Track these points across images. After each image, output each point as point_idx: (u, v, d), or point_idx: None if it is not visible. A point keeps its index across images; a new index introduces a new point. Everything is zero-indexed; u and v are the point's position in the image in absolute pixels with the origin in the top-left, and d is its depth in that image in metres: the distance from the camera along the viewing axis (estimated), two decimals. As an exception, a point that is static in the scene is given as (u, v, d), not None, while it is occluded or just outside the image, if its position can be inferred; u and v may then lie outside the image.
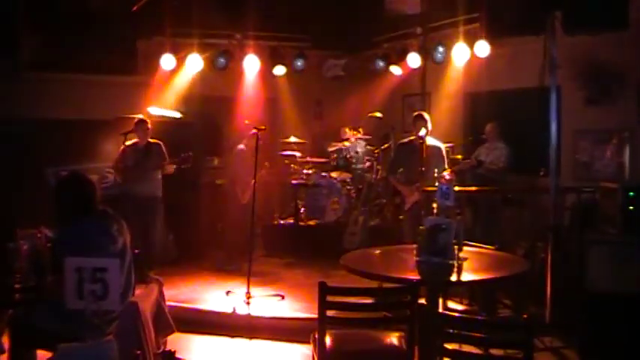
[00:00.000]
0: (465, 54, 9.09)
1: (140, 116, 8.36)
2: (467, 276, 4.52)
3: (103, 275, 2.97)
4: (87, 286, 2.97)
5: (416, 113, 7.54)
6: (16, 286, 4.18)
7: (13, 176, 8.43)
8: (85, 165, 8.58)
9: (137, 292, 4.44)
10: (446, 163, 7.47)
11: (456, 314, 4.01)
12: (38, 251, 4.26)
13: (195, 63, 9.91)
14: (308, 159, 10.51)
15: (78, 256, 3.18)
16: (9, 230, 4.59)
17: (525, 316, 3.79)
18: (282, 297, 7.28)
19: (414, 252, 4.81)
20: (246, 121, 9.39)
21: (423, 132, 6.97)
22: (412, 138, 7.42)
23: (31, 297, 4.23)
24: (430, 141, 7.17)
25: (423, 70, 9.82)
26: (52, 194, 4.49)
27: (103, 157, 8.94)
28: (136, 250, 4.64)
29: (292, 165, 10.47)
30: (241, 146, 9.07)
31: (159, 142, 8.19)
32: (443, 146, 7.62)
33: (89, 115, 9.34)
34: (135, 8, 9.77)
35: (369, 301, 4.65)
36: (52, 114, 9.23)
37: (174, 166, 8.16)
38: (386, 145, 10.02)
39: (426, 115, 7.40)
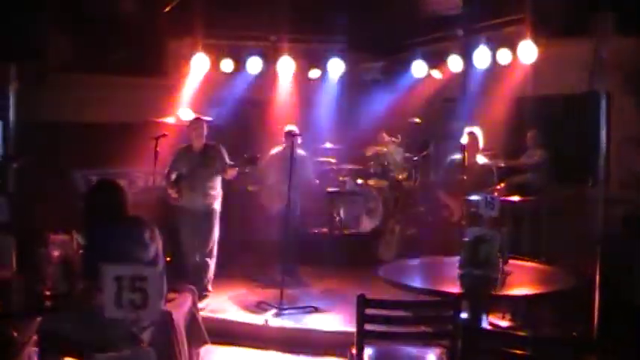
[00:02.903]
0: (508, 57, 9.04)
1: (188, 115, 8.24)
2: (512, 290, 4.50)
3: (143, 284, 3.01)
4: (126, 295, 3.02)
5: (468, 130, 7.56)
6: (46, 293, 4.24)
7: (42, 180, 8.57)
8: (113, 169, 8.72)
9: (170, 301, 4.49)
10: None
11: (501, 330, 4.00)
12: (69, 257, 4.32)
13: (227, 65, 9.98)
14: (343, 166, 10.52)
15: (109, 263, 3.23)
16: (40, 235, 4.67)
17: (574, 333, 3.77)
18: (316, 309, 7.29)
19: (456, 264, 4.81)
20: (280, 126, 9.43)
21: (465, 139, 7.01)
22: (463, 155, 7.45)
23: (62, 304, 4.29)
24: (481, 160, 7.21)
25: (464, 73, 9.79)
26: (82, 200, 4.57)
27: (131, 161, 9.01)
28: (168, 259, 4.69)
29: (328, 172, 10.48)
30: (275, 150, 9.10)
31: (217, 144, 7.76)
32: (493, 165, 7.64)
33: (117, 118, 9.45)
34: (166, 8, 9.88)
35: (407, 314, 4.65)
36: (79, 116, 9.36)
37: (236, 170, 7.64)
38: (425, 153, 10.00)
39: (477, 132, 7.44)
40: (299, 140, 8.46)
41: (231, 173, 7.62)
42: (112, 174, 8.41)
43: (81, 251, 4.45)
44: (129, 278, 3.03)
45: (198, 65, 9.98)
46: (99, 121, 9.33)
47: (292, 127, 8.67)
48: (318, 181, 9.34)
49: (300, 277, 8.63)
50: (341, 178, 10.28)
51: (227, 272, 8.96)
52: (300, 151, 8.66)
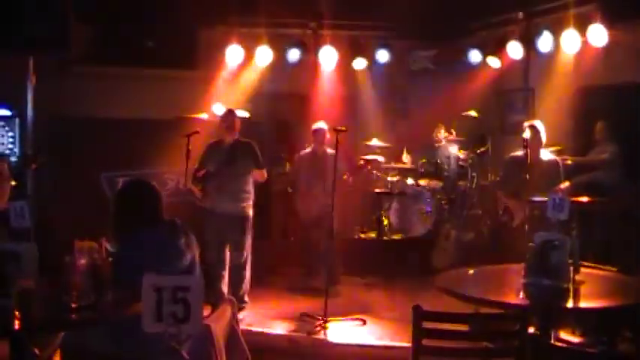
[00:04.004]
0: (576, 42, 8.90)
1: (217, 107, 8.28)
2: (585, 302, 4.42)
3: (185, 295, 3.01)
4: (167, 307, 3.02)
5: (528, 124, 7.47)
6: (72, 304, 4.25)
7: (64, 182, 8.65)
8: (140, 170, 8.77)
9: (207, 313, 4.49)
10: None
11: (572, 347, 3.93)
12: (97, 266, 4.32)
13: (264, 55, 10.01)
14: (393, 164, 10.47)
15: (142, 272, 3.23)
16: (65, 241, 4.69)
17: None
18: (364, 322, 7.27)
19: (520, 273, 4.74)
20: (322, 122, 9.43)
21: (527, 134, 6.92)
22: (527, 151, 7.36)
23: (88, 317, 4.31)
24: (545, 155, 7.13)
25: (525, 61, 9.66)
26: (112, 203, 4.59)
27: (160, 161, 9.07)
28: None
29: (375, 171, 10.42)
30: (307, 150, 9.15)
31: (249, 141, 7.67)
32: (559, 161, 7.54)
33: (146, 114, 9.49)
34: (198, -6, 9.94)
35: (468, 329, 4.59)
36: (105, 112, 9.41)
37: (264, 172, 7.70)
38: (482, 149, 9.92)
39: (539, 125, 7.34)
40: (327, 136, 8.70)
41: (260, 175, 7.61)
42: (139, 175, 8.46)
43: (110, 259, 4.47)
44: (171, 289, 3.02)
45: (233, 56, 10.01)
46: (125, 117, 9.38)
47: (321, 125, 8.72)
48: (351, 179, 9.40)
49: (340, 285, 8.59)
50: (390, 178, 10.22)
51: (265, 282, 9.00)
52: (330, 150, 8.68)
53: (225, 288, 7.53)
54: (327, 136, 8.84)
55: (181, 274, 4.08)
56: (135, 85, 9.97)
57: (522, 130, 7.36)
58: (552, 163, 7.40)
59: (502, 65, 10.24)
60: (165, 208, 4.61)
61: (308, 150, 9.17)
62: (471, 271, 5.52)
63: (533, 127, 7.37)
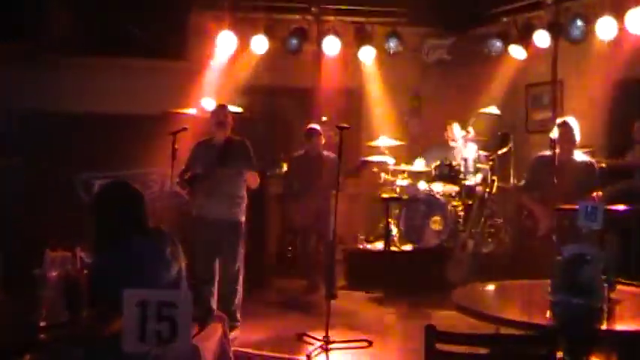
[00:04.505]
0: (612, 29, 8.91)
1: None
2: (621, 325, 4.40)
3: (171, 311, 2.99)
4: (150, 325, 3.00)
5: (560, 120, 7.47)
6: (42, 323, 4.23)
7: (34, 185, 8.65)
8: (121, 171, 8.78)
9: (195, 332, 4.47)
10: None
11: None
12: (71, 279, 4.31)
13: (260, 44, 10.02)
14: (403, 166, 10.46)
15: (122, 286, 3.22)
16: (35, 251, 4.67)
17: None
18: (370, 343, 7.24)
19: (546, 290, 4.72)
20: (324, 118, 9.44)
21: (555, 133, 6.92)
22: (556, 151, 7.36)
23: (60, 337, 4.28)
24: (578, 156, 7.11)
25: (554, 51, 9.64)
26: (89, 208, 4.57)
27: (144, 161, 9.10)
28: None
29: (382, 174, 10.43)
30: (300, 152, 9.21)
31: (243, 139, 7.61)
32: (595, 163, 7.54)
33: (127, 109, 9.55)
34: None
35: (488, 352, 4.58)
36: (83, 107, 9.47)
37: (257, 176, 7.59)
38: (504, 150, 9.92)
39: (572, 122, 7.34)
40: (322, 140, 8.84)
41: (254, 179, 7.56)
42: (120, 177, 8.46)
43: (86, 271, 4.45)
44: (155, 304, 3.01)
45: (225, 45, 10.01)
46: (103, 112, 9.40)
47: (314, 126, 8.88)
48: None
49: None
50: (399, 182, 10.22)
51: (259, 298, 8.99)
52: (326, 152, 8.83)
53: (215, 304, 7.51)
54: (323, 140, 8.93)
55: (167, 288, 4.05)
56: (114, 77, 9.97)
57: (550, 129, 7.36)
58: (587, 166, 7.39)
59: (527, 56, 10.24)
60: (149, 213, 4.60)
61: (301, 152, 9.23)
62: (491, 287, 5.51)
63: (565, 124, 7.37)
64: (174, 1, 10.30)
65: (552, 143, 7.05)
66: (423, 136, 11.32)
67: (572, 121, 7.40)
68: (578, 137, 7.28)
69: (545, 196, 7.41)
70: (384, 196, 10.17)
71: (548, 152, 7.53)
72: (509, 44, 10.22)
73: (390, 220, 10.12)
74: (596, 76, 9.74)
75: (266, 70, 10.48)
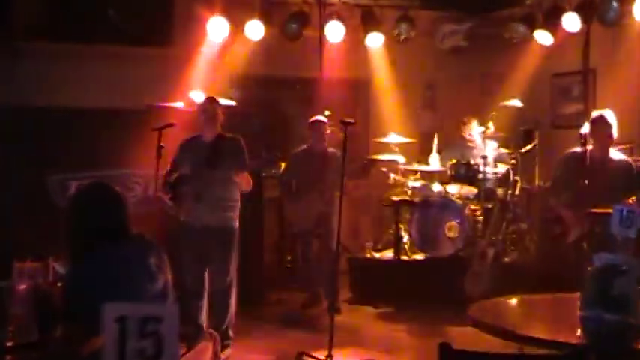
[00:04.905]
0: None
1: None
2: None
3: (156, 327, 2.99)
4: (132, 343, 3.00)
5: (596, 114, 7.45)
6: (9, 342, 4.23)
7: (5, 187, 8.64)
8: (100, 172, 8.77)
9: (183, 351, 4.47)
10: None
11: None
12: (43, 293, 4.31)
13: (255, 30, 10.03)
14: (415, 166, 10.48)
15: (101, 299, 3.22)
16: (1, 263, 4.67)
17: None
18: (378, 363, 7.28)
19: (576, 304, 4.72)
20: (327, 112, 9.43)
21: (586, 128, 6.92)
22: (588, 149, 7.34)
23: (30, 358, 4.28)
24: (614, 155, 7.11)
25: (586, 36, 9.64)
26: (64, 213, 4.54)
27: (126, 161, 9.11)
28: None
29: (392, 175, 10.43)
30: (302, 147, 9.21)
31: (236, 136, 7.58)
32: (633, 163, 7.55)
33: (108, 102, 9.58)
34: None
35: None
36: (56, 100, 9.48)
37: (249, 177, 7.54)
38: (528, 147, 9.92)
39: (609, 116, 7.33)
40: (327, 131, 8.91)
41: (247, 182, 7.54)
42: (99, 178, 8.45)
43: (60, 284, 4.44)
44: (138, 319, 3.00)
45: (216, 30, 10.03)
46: (81, 106, 9.42)
47: (320, 117, 8.95)
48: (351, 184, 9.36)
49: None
50: (411, 184, 10.22)
51: (254, 313, 9.00)
52: (331, 149, 8.88)
53: (204, 320, 7.50)
54: (328, 131, 8.89)
55: (151, 302, 4.04)
56: (92, 66, 9.96)
57: (579, 124, 7.35)
58: (624, 165, 7.37)
59: (554, 42, 10.24)
60: (132, 219, 4.58)
61: (304, 147, 9.19)
62: (514, 301, 5.51)
63: (601, 119, 7.34)
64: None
65: (583, 139, 7.01)
66: (437, 132, 11.31)
67: (610, 116, 7.37)
68: (616, 134, 7.26)
69: (576, 198, 7.39)
70: (394, 199, 10.20)
71: (579, 149, 7.51)
72: (534, 29, 10.22)
73: (400, 225, 10.16)
74: (632, 64, 9.73)
75: (262, 58, 10.49)
